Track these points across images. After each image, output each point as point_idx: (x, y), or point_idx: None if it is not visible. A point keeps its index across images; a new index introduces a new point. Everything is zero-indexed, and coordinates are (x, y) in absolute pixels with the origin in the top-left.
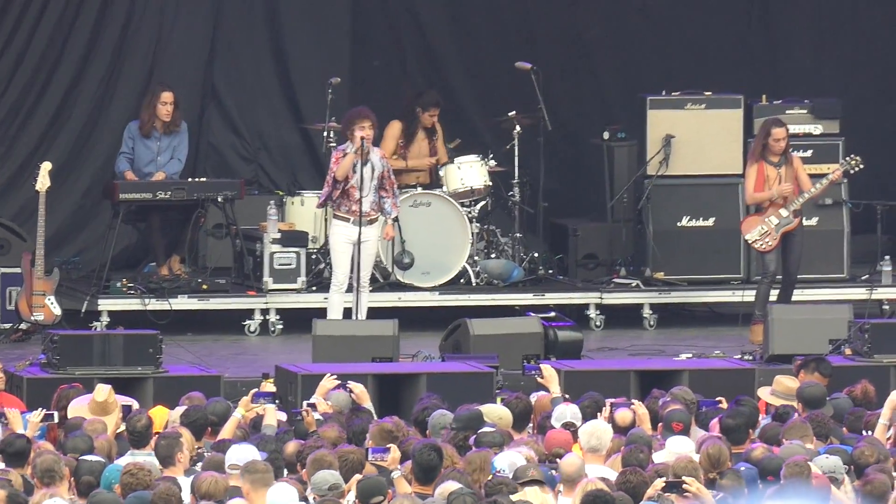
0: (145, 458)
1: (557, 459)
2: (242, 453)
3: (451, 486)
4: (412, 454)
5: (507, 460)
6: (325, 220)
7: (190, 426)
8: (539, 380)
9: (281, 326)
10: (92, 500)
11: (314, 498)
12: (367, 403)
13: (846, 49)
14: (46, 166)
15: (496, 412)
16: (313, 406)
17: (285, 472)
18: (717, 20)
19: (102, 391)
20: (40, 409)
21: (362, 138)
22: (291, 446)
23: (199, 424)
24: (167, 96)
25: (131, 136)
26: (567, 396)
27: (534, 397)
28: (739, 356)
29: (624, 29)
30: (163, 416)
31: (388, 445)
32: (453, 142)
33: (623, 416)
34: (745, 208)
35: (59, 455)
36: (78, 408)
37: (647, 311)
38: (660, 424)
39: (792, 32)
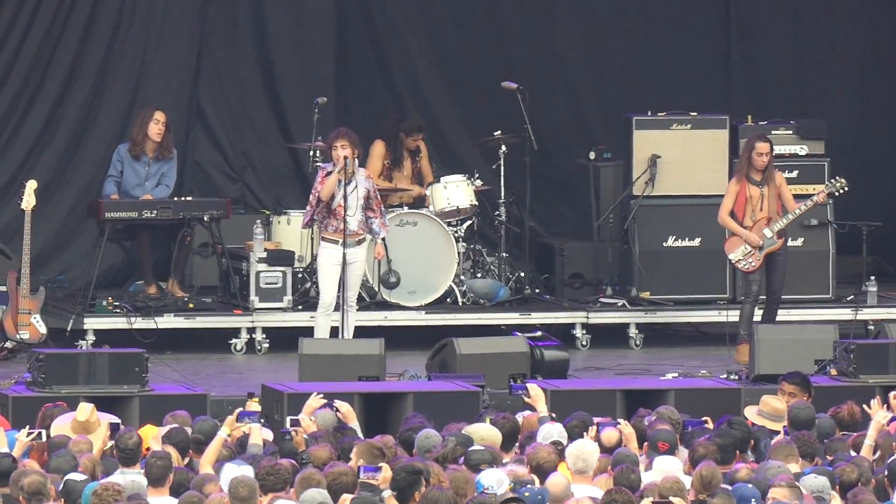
0: (135, 476)
1: (537, 480)
2: (239, 473)
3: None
4: (392, 474)
5: (495, 478)
6: (312, 239)
7: (174, 447)
8: (526, 399)
9: (267, 345)
10: None
11: None
12: (354, 422)
13: (827, 70)
14: (32, 185)
15: (480, 432)
16: (297, 423)
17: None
18: (695, 41)
19: (85, 410)
20: (28, 427)
21: (345, 158)
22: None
23: (182, 445)
24: (160, 115)
25: (120, 160)
26: (554, 416)
27: (520, 417)
28: (725, 376)
29: (603, 50)
30: (152, 436)
31: (379, 464)
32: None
33: (609, 436)
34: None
35: (45, 475)
36: (61, 426)
37: (633, 331)
38: (645, 444)
39: (771, 54)
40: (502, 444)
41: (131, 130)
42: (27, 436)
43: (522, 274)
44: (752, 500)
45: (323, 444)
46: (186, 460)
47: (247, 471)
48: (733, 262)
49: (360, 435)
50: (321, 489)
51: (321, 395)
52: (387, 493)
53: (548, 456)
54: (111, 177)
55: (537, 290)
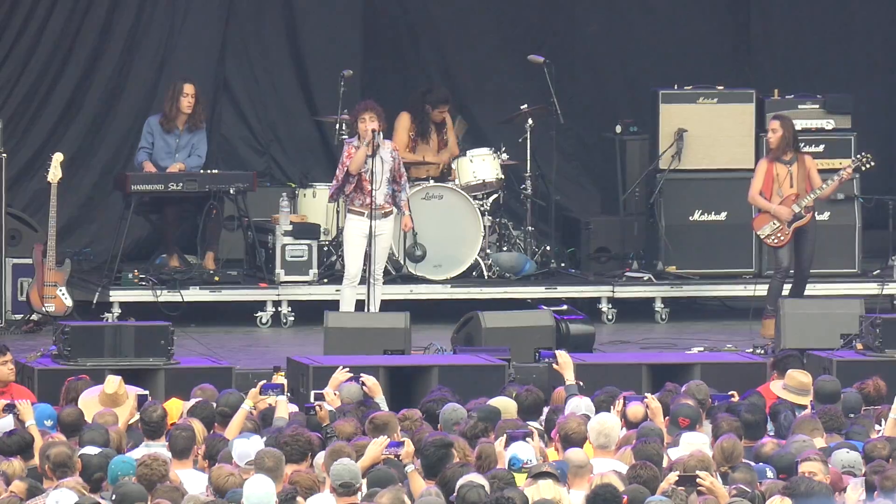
0: (159, 449)
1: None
2: (250, 447)
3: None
4: (420, 449)
5: (529, 452)
6: (337, 212)
7: (199, 421)
8: (554, 366)
9: (293, 318)
10: (117, 491)
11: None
12: (380, 396)
13: (851, 43)
14: (58, 157)
15: (497, 405)
16: (322, 397)
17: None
18: (716, 14)
19: (113, 382)
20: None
21: (373, 131)
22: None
23: (207, 420)
24: (189, 88)
25: (150, 131)
26: (582, 384)
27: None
28: (751, 350)
29: (626, 24)
30: (177, 409)
31: (402, 439)
32: (460, 125)
33: (635, 411)
34: None
35: (73, 448)
36: (89, 399)
37: (658, 305)
38: (666, 418)
39: (793, 27)
40: (525, 416)
41: (163, 105)
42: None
43: (548, 248)
44: (767, 470)
45: (348, 419)
46: (211, 433)
47: (256, 444)
48: (762, 237)
49: (385, 408)
50: (351, 461)
51: (347, 369)
52: (410, 468)
53: (577, 427)
54: (143, 148)
55: (563, 264)
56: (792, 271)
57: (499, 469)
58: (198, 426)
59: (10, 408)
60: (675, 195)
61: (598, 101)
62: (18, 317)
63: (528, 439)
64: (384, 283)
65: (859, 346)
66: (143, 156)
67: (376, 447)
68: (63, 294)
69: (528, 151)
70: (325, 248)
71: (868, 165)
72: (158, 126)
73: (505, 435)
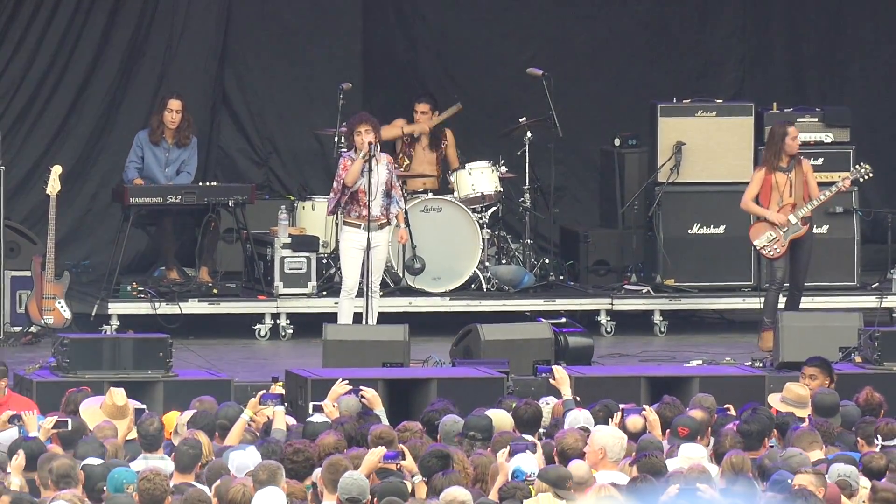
0: (157, 461)
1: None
2: (247, 458)
3: (455, 491)
4: (419, 461)
5: (533, 464)
6: (336, 224)
7: (201, 431)
8: (551, 381)
9: (291, 331)
10: None
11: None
12: (379, 408)
13: (850, 56)
14: (57, 170)
15: (493, 417)
16: (320, 409)
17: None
18: (711, 26)
19: (122, 395)
20: (56, 416)
21: (370, 143)
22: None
23: (208, 430)
24: (174, 104)
25: (140, 145)
26: (578, 399)
27: (544, 402)
28: (750, 363)
29: (625, 37)
30: (175, 422)
31: (400, 450)
32: (455, 106)
33: (634, 422)
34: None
35: (74, 460)
36: (91, 409)
37: (657, 318)
38: (668, 430)
39: (789, 39)
40: (523, 429)
41: (150, 118)
42: (50, 424)
43: (547, 260)
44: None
45: (329, 431)
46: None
47: (253, 454)
48: (758, 248)
49: (385, 421)
50: (360, 475)
51: (346, 382)
52: (417, 479)
53: (574, 443)
54: (132, 162)
55: (562, 277)
56: (787, 284)
57: (516, 482)
58: (205, 441)
59: (15, 419)
60: (673, 208)
61: (596, 113)
62: (17, 329)
63: (528, 451)
64: (383, 296)
65: (858, 359)
66: (133, 172)
67: (373, 457)
68: (62, 306)
69: (527, 164)
70: (324, 261)
71: (866, 177)
72: (147, 139)
73: (508, 447)
